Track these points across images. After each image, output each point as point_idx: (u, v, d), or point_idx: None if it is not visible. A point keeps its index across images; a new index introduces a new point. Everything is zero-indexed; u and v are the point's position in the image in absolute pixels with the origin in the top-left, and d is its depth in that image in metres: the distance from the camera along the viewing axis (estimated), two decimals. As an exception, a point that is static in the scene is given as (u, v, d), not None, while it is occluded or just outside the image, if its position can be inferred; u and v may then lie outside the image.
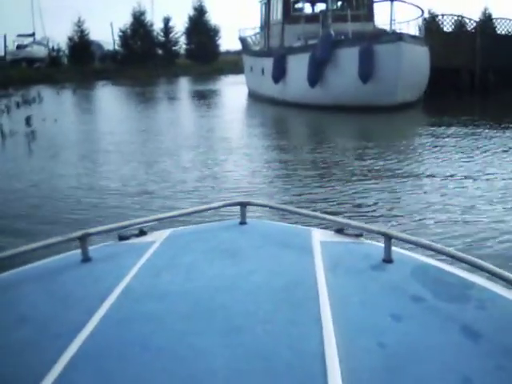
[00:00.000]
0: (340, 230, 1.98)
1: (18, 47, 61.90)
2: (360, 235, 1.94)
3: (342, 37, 21.96)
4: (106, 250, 1.93)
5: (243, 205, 2.15)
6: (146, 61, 54.22)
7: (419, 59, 21.31)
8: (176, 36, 60.49)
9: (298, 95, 22.87)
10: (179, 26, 62.09)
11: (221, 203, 2.30)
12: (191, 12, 59.96)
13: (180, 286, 1.57)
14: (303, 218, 2.55)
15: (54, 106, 29.69)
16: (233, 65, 51.19)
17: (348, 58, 20.74)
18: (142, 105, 27.85)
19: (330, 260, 1.71)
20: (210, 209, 2.36)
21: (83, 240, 1.80)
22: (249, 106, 26.51)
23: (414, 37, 21.72)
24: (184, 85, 44.65)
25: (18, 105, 28.52)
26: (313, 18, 25.27)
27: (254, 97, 29.63)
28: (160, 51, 59.22)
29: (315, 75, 21.69)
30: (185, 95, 34.03)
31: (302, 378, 1.12)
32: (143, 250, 1.85)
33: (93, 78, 49.14)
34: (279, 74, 24.31)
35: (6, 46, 53.46)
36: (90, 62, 56.11)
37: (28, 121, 20.08)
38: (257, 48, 31.75)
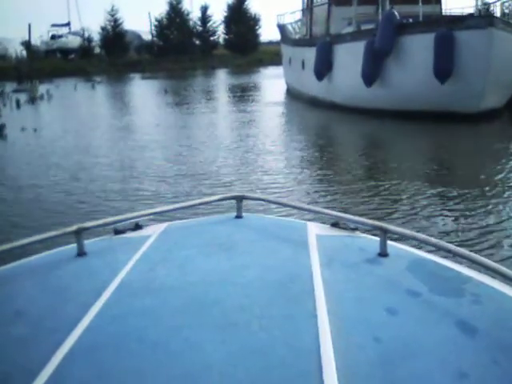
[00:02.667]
0: (336, 224, 1.91)
1: (53, 37, 57.38)
2: (356, 229, 1.87)
3: (410, 20, 15.93)
4: (102, 244, 1.84)
5: (239, 199, 2.06)
6: (182, 52, 49.27)
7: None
8: (214, 25, 55.07)
9: (349, 96, 16.99)
10: (218, 14, 56.82)
11: (216, 197, 2.20)
12: (230, 0, 54.21)
13: (175, 281, 1.51)
14: (299, 211, 2.46)
15: (59, 106, 24.35)
16: (273, 55, 46.23)
17: (419, 48, 14.73)
18: (168, 105, 22.31)
19: (326, 254, 1.64)
20: (205, 203, 2.24)
21: (78, 234, 1.72)
22: (286, 110, 20.63)
23: (506, 22, 15.43)
24: (220, 79, 38.94)
25: (18, 104, 23.34)
26: (367, -1, 19.17)
27: (293, 95, 23.78)
28: (197, 41, 53.78)
29: (373, 70, 15.73)
30: (220, 93, 28.15)
31: (297, 373, 1.08)
32: (139, 244, 1.77)
33: (126, 71, 44.29)
34: (323, 68, 18.40)
35: (30, 35, 48.33)
36: (124, 53, 50.87)
37: (0, 131, 15.05)
38: (297, 36, 25.78)
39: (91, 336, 1.23)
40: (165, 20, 53.20)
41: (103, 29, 52.27)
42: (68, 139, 14.46)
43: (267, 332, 1.22)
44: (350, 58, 16.97)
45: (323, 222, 1.98)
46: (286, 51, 26.65)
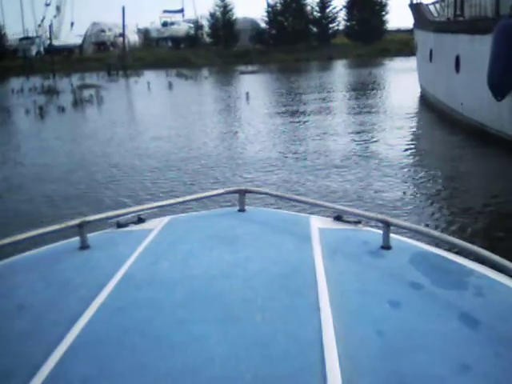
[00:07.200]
0: (339, 217, 1.78)
1: (164, 24, 50.67)
2: (359, 222, 1.74)
3: None
4: (105, 237, 1.74)
5: (241, 192, 1.93)
6: (296, 41, 40.83)
7: None
8: (334, 11, 45.29)
9: None
10: (339, -1, 47.21)
11: (219, 191, 2.04)
12: (354, -18, 44.07)
13: (178, 273, 1.42)
14: (302, 205, 2.18)
15: (96, 118, 16.38)
16: (401, 45, 37.61)
17: None
18: (258, 121, 13.94)
19: (329, 247, 1.54)
20: (208, 196, 2.10)
21: (81, 227, 1.61)
22: (427, 141, 11.08)
23: None
24: (337, 73, 29.67)
25: (41, 112, 15.74)
26: None
27: (434, 108, 14.27)
28: (314, 29, 44.53)
29: None
30: (334, 96, 19.09)
31: (300, 365, 1.01)
32: (141, 238, 1.66)
33: (233, 62, 36.38)
34: (509, 76, 8.79)
35: (124, 20, 41.48)
36: (234, 42, 42.73)
37: None
38: (442, 19, 16.02)
39: (94, 329, 1.16)
40: (279, 5, 44.39)
41: (212, 16, 44.36)
42: None
43: (270, 324, 1.15)
44: None
45: (326, 216, 1.82)
46: (424, 40, 17.01)
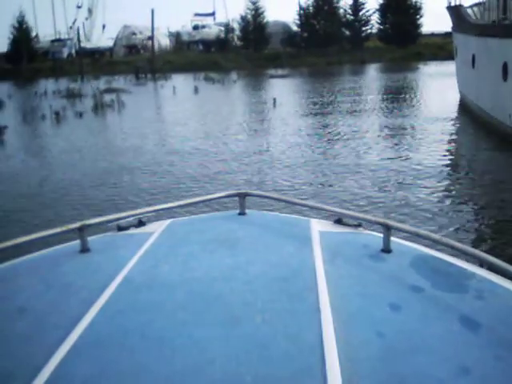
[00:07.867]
0: (339, 220, 1.77)
1: (195, 27, 49.93)
2: (359, 225, 1.73)
3: None
4: (105, 240, 1.72)
5: (242, 195, 1.91)
6: (328, 44, 39.72)
7: None
8: (367, 14, 43.93)
9: None
10: (372, 2, 45.97)
11: (219, 194, 2.02)
12: (389, -15, 42.61)
13: (179, 277, 1.40)
14: (303, 208, 2.16)
15: (113, 125, 15.54)
16: (435, 49, 36.29)
17: None
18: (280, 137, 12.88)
19: (329, 250, 1.53)
20: (208, 200, 2.10)
21: (82, 231, 1.60)
22: (479, 174, 9.50)
23: None
24: (371, 78, 28.23)
25: (57, 117, 14.96)
26: None
27: (474, 117, 13.05)
28: (346, 32, 43.23)
29: None
30: (369, 103, 17.80)
31: (300, 368, 1.01)
32: (142, 241, 1.65)
33: (263, 66, 35.43)
34: None
35: (153, 22, 40.48)
36: (265, 45, 41.71)
37: None
38: (484, 22, 14.74)
39: (94, 332, 1.15)
40: (311, 8, 43.20)
41: (243, 19, 43.42)
42: None
43: (270, 327, 1.14)
44: None
45: (326, 219, 1.80)
46: (465, 44, 15.74)
